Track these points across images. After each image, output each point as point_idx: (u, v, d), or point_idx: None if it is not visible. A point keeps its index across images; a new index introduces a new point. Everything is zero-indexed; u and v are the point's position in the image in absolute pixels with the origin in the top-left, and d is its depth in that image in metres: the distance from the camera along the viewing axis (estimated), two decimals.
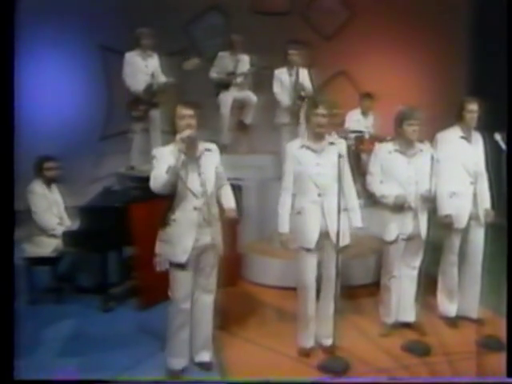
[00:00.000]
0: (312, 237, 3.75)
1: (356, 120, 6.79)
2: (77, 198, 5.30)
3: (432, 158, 3.83)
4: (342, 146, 3.80)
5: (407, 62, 8.58)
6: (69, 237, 4.74)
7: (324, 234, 3.75)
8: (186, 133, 3.33)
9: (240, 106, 6.82)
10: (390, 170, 4.03)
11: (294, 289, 4.01)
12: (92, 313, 4.68)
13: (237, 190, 5.42)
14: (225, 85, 6.72)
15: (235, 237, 5.35)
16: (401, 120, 3.99)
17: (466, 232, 4.26)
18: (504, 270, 3.69)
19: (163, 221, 3.50)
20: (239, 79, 6.70)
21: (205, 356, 3.77)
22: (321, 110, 3.72)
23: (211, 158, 3.56)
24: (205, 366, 3.74)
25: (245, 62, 6.75)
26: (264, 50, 6.83)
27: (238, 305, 4.86)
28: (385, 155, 4.04)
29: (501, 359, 3.63)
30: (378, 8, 8.34)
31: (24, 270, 4.87)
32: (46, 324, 4.46)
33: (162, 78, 6.37)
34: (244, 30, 7.27)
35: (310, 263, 3.80)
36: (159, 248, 3.55)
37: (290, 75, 6.25)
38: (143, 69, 6.27)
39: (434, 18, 8.41)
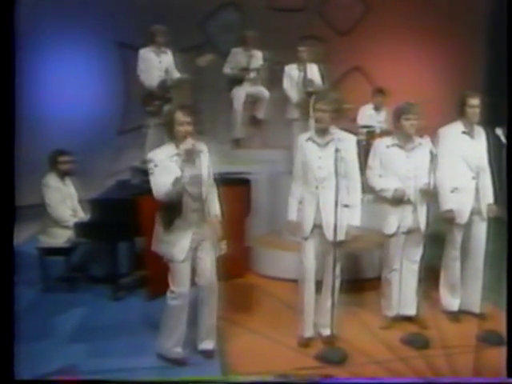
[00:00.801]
0: (306, 227, 3.85)
1: (368, 115, 6.81)
2: (94, 192, 5.45)
3: (431, 152, 3.87)
4: (347, 142, 3.85)
5: (422, 57, 8.55)
6: (80, 228, 4.91)
7: (318, 226, 3.84)
8: (190, 143, 3.47)
9: (253, 101, 6.91)
10: (389, 164, 4.08)
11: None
12: (102, 301, 4.84)
13: (246, 184, 5.57)
14: (238, 80, 6.81)
15: (243, 230, 5.46)
16: (399, 115, 4.04)
17: (468, 227, 4.27)
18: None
19: (161, 222, 3.62)
20: (252, 75, 6.78)
21: (208, 344, 3.86)
22: (320, 106, 3.80)
23: (204, 159, 3.65)
24: (207, 354, 3.84)
25: (258, 58, 6.83)
26: (279, 46, 6.89)
27: (244, 296, 4.98)
28: (383, 149, 4.10)
29: (499, 354, 3.64)
30: (393, 3, 8.33)
31: (38, 259, 5.09)
32: (58, 311, 4.64)
33: (176, 74, 6.46)
34: (259, 27, 7.35)
35: (309, 253, 3.89)
36: (156, 246, 3.68)
37: (300, 71, 6.31)
38: (157, 65, 6.34)
39: (449, 13, 8.36)
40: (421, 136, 4.10)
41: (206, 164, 3.66)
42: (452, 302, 4.42)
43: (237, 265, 5.40)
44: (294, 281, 4.89)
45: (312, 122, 3.97)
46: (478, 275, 4.34)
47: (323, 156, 3.79)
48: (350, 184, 3.83)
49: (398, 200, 4.03)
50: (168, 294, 3.70)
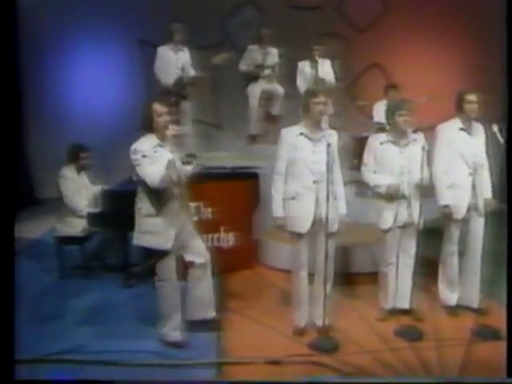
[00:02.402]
0: (305, 222, 3.94)
1: (383, 111, 6.82)
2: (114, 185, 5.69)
3: (423, 148, 3.94)
4: (333, 136, 3.99)
5: (441, 54, 8.50)
6: (93, 218, 5.16)
7: (318, 220, 3.93)
8: (177, 129, 3.68)
9: (268, 97, 7.07)
10: (383, 160, 4.16)
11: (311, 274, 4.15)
12: (114, 289, 5.08)
13: (255, 178, 5.72)
14: (253, 77, 6.96)
15: (251, 223, 5.61)
16: (392, 111, 4.12)
17: (466, 223, 4.30)
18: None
19: (144, 213, 3.77)
20: (267, 72, 6.92)
21: (211, 313, 4.09)
22: (321, 99, 3.88)
23: (180, 146, 3.86)
24: (212, 324, 4.08)
25: (273, 55, 6.98)
26: (298, 43, 6.99)
27: (249, 286, 5.15)
28: (377, 146, 4.18)
29: (490, 348, 3.71)
30: (412, 0, 8.32)
31: (55, 248, 5.37)
32: (71, 297, 4.89)
33: (192, 72, 6.61)
34: (278, 24, 7.50)
35: (303, 246, 4.01)
36: (138, 240, 3.85)
37: (312, 68, 6.43)
38: (174, 62, 6.52)
39: (469, 10, 8.29)
40: (415, 131, 4.19)
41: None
42: (450, 297, 4.46)
43: (245, 256, 5.58)
44: None
45: (312, 117, 3.97)
46: (476, 271, 4.37)
47: (317, 150, 3.88)
48: (335, 176, 3.95)
49: (393, 195, 4.10)
50: (156, 282, 3.90)
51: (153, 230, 3.75)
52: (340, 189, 4.01)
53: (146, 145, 3.69)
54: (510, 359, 3.29)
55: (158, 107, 3.67)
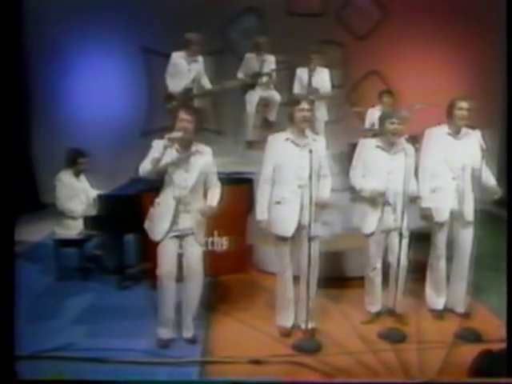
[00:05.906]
0: (290, 226, 4.03)
1: (376, 117, 6.89)
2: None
3: (405, 153, 4.03)
4: (320, 142, 4.09)
5: (440, 61, 8.56)
6: (89, 221, 5.30)
7: (302, 224, 4.02)
8: (175, 135, 3.81)
9: (265, 103, 7.16)
10: (371, 165, 4.23)
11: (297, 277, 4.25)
12: (109, 290, 5.19)
13: (249, 183, 5.82)
14: (251, 84, 7.06)
15: (245, 227, 5.72)
16: (383, 119, 4.21)
17: (453, 228, 4.35)
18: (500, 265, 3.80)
19: (153, 202, 4.05)
20: (264, 79, 7.01)
21: (187, 333, 4.15)
22: (303, 106, 4.00)
23: (200, 160, 3.97)
24: (188, 341, 4.13)
25: (270, 62, 7.05)
26: (299, 50, 7.07)
27: (242, 289, 5.23)
28: (367, 150, 4.26)
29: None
30: (410, 8, 8.40)
31: (54, 250, 5.51)
32: (67, 297, 5.02)
33: (206, 81, 6.57)
34: (279, 32, 7.62)
35: (287, 249, 4.10)
36: (146, 223, 4.09)
37: (309, 76, 6.55)
38: (185, 73, 6.46)
39: (469, 18, 8.35)
40: (410, 139, 4.28)
41: (202, 164, 3.96)
42: (437, 301, 4.52)
43: (238, 260, 5.68)
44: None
45: (296, 124, 4.07)
46: (464, 275, 4.40)
47: (302, 156, 3.97)
48: (323, 173, 4.07)
49: (378, 201, 4.17)
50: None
51: (152, 218, 4.04)
52: (327, 180, 4.11)
53: (161, 142, 3.83)
54: (510, 359, 3.31)
55: (182, 113, 3.86)
